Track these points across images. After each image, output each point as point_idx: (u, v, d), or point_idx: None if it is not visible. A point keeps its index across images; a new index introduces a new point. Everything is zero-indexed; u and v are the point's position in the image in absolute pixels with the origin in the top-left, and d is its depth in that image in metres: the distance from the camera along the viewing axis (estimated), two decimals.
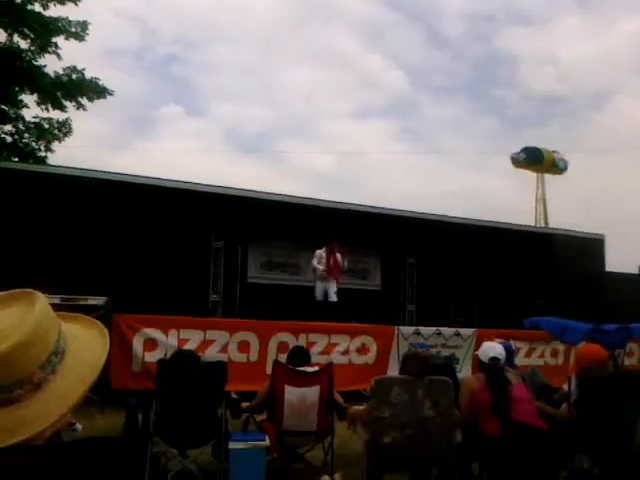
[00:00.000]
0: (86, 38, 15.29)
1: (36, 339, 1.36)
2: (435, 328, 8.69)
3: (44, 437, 1.43)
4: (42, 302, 1.43)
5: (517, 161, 31.44)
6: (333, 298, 10.02)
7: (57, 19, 14.94)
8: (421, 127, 77.36)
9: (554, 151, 31.41)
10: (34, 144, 16.01)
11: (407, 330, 8.54)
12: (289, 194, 12.07)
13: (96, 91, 15.63)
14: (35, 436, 1.38)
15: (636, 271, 16.16)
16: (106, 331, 1.64)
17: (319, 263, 10.05)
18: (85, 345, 1.55)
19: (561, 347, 8.70)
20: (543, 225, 25.66)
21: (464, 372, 7.78)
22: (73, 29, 15.08)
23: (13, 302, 1.45)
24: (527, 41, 69.88)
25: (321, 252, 10.08)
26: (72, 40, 15.24)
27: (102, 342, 1.59)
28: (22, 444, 1.34)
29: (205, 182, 11.37)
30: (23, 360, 1.34)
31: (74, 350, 1.50)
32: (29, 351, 1.35)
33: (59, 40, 15.16)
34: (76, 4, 15.06)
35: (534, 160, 31.02)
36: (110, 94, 15.90)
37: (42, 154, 16.07)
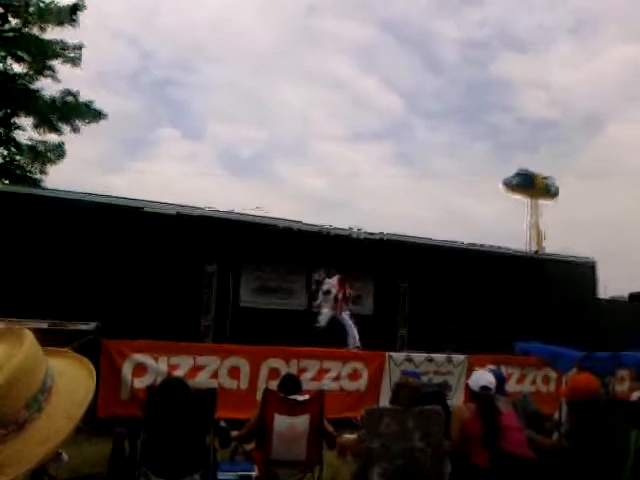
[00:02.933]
0: (81, 64, 15.45)
1: (21, 378, 1.36)
2: (426, 354, 8.67)
3: (30, 471, 1.42)
4: (29, 340, 1.43)
5: (509, 185, 31.62)
6: (358, 344, 9.87)
7: (54, 42, 15.10)
8: (415, 150, 77.79)
9: (546, 177, 31.65)
10: (28, 166, 16.04)
11: (398, 356, 8.52)
12: (282, 218, 12.09)
13: (90, 114, 15.74)
14: (20, 475, 1.37)
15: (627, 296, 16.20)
16: (92, 366, 1.63)
17: (329, 292, 10.04)
18: (71, 381, 1.54)
19: (553, 374, 8.70)
20: (535, 250, 25.76)
21: (456, 399, 7.75)
22: (71, 54, 15.24)
23: (0, 341, 1.45)
24: (521, 67, 70.79)
25: (333, 282, 10.07)
26: (68, 65, 15.39)
27: (89, 378, 1.59)
28: None
29: (198, 205, 11.38)
30: (9, 399, 1.34)
31: (61, 387, 1.50)
32: (15, 390, 1.34)
33: (55, 64, 15.31)
34: (73, 26, 15.23)
35: (526, 185, 31.20)
36: (104, 117, 16.02)
37: (36, 176, 16.10)
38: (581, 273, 14.44)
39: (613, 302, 14.94)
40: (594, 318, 12.88)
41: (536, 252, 20.76)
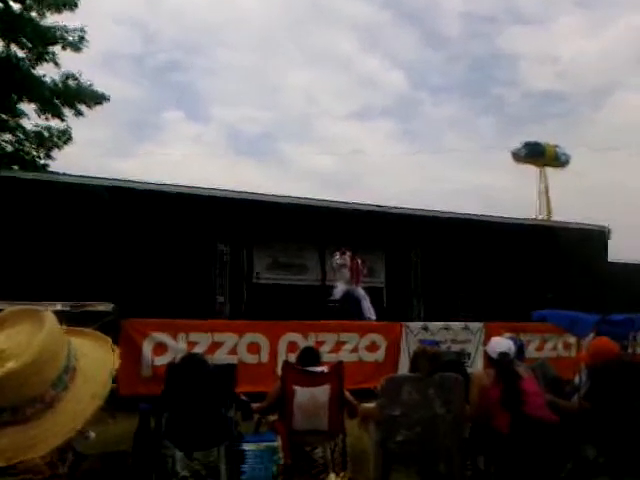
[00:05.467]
0: (84, 49, 15.30)
1: (46, 358, 1.36)
2: (443, 323, 8.68)
3: (57, 448, 1.44)
4: (50, 320, 1.43)
5: (518, 156, 31.19)
6: (372, 316, 9.94)
7: (54, 27, 14.94)
8: (422, 126, 77.12)
9: (555, 145, 31.21)
10: (34, 152, 16.02)
11: (415, 326, 8.52)
12: (292, 195, 12.10)
13: (93, 97, 15.63)
14: (49, 452, 1.40)
15: None
16: (114, 346, 1.64)
17: (343, 267, 10.04)
18: (95, 362, 1.55)
19: (573, 339, 8.65)
20: (546, 218, 25.56)
21: (474, 368, 7.75)
22: (70, 38, 15.08)
23: (22, 320, 1.45)
24: (526, 40, 69.57)
25: (345, 257, 10.06)
26: (69, 50, 15.24)
27: (111, 357, 1.59)
28: (37, 460, 1.36)
29: (208, 186, 11.40)
30: (34, 379, 1.35)
31: (84, 367, 1.50)
32: (39, 370, 1.35)
33: (56, 49, 15.16)
34: (72, 10, 15.05)
35: (535, 154, 30.78)
36: (107, 99, 15.91)
37: (42, 162, 16.09)
38: (593, 239, 14.36)
39: (627, 266, 14.86)
40: (609, 283, 12.85)
41: (547, 219, 20.59)
